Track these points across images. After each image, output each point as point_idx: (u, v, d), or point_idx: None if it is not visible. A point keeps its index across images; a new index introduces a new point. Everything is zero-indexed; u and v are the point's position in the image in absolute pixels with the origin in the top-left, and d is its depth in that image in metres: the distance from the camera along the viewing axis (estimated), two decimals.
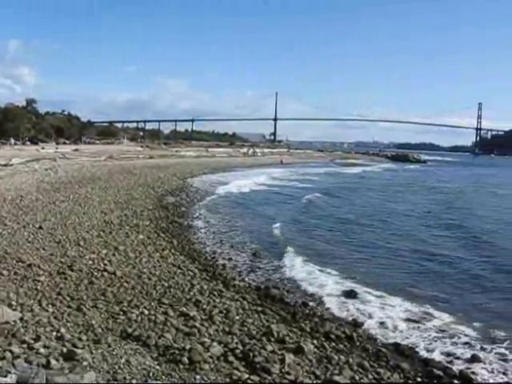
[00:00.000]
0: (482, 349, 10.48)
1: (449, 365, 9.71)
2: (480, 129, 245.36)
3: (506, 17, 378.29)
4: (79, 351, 7.96)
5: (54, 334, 8.84)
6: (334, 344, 10.19)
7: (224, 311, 11.45)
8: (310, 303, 12.97)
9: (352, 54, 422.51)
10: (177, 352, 8.69)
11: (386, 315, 12.37)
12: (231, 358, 8.83)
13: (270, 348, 9.37)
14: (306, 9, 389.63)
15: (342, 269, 16.59)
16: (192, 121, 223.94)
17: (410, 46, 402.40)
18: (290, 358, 8.94)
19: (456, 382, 8.88)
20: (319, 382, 8.32)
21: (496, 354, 10.28)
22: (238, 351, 9.13)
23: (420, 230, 25.40)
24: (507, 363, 9.87)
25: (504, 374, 9.46)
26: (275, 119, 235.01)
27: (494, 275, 16.71)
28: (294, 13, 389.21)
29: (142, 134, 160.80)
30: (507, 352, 10.35)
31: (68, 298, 11.15)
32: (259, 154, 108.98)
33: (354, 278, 15.42)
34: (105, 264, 14.31)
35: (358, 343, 10.47)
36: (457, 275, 16.54)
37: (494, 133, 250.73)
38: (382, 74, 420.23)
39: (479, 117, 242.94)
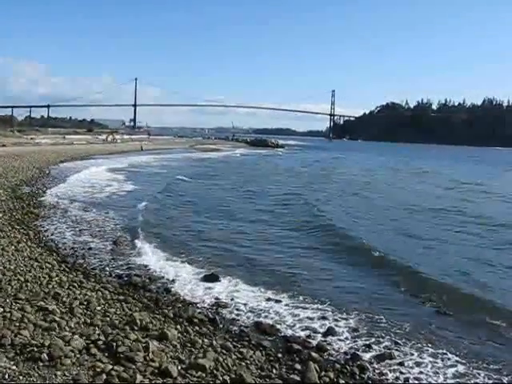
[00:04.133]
0: (336, 322, 11.11)
1: (307, 339, 10.15)
2: (333, 115, 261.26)
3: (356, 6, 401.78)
4: None
5: None
6: (197, 328, 10.14)
7: (85, 302, 10.85)
8: (173, 289, 12.78)
9: (213, 42, 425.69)
10: (35, 349, 8.03)
11: (249, 296, 12.56)
12: (94, 350, 8.38)
13: (133, 337, 9.06)
14: None
15: (199, 254, 16.50)
16: (48, 107, 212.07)
17: (270, 35, 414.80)
18: (154, 345, 8.72)
19: (313, 354, 9.28)
20: (184, 366, 8.22)
21: (348, 325, 10.95)
22: (100, 342, 8.70)
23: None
24: (357, 332, 10.57)
25: (354, 342, 10.11)
26: (135, 105, 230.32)
27: (343, 252, 17.69)
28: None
29: None
30: (357, 323, 11.08)
31: None
32: (119, 141, 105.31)
33: (212, 263, 15.43)
34: None
35: (221, 325, 10.55)
36: (318, 253, 17.34)
37: (346, 118, 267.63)
38: (241, 60, 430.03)
39: (333, 103, 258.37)
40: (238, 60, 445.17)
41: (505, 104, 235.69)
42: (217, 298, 12.29)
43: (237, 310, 11.65)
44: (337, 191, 37.34)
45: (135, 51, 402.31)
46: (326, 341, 10.10)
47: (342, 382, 8.47)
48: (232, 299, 12.30)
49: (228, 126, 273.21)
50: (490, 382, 8.76)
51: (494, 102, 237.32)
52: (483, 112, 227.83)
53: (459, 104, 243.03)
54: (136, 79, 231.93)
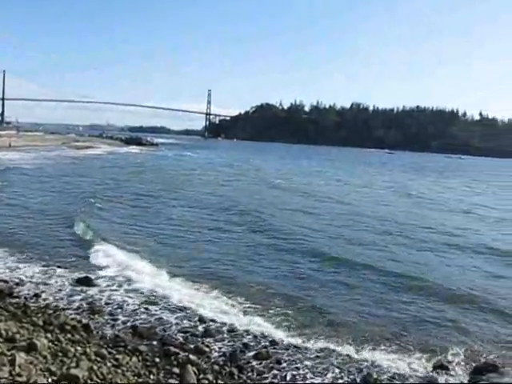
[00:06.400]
0: (214, 323, 11.00)
1: (185, 341, 9.94)
2: (209, 114, 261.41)
3: None
4: None
5: None
6: (69, 335, 9.42)
7: None
8: (43, 295, 11.90)
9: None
10: None
11: (123, 299, 12.07)
12: None
13: None
14: None
15: (66, 256, 15.70)
16: None
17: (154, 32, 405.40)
18: (21, 357, 7.94)
19: (191, 356, 9.07)
20: (55, 378, 7.60)
21: (225, 326, 10.86)
22: None
23: None
24: (234, 333, 10.51)
25: (232, 342, 10.08)
26: (3, 99, 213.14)
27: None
28: None
29: None
30: (234, 323, 10.99)
31: None
32: None
33: (84, 266, 14.63)
34: None
35: (95, 331, 9.94)
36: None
37: (222, 118, 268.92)
38: (120, 56, 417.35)
39: (209, 102, 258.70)
40: (119, 57, 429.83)
41: (370, 108, 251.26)
42: (91, 303, 11.62)
43: (112, 314, 11.12)
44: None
45: (7, 42, 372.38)
46: (204, 342, 9.95)
47: (220, 382, 8.38)
48: (107, 303, 11.73)
49: (103, 123, 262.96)
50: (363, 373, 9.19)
51: (361, 106, 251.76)
52: (352, 115, 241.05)
53: (330, 106, 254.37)
54: (4, 71, 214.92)
